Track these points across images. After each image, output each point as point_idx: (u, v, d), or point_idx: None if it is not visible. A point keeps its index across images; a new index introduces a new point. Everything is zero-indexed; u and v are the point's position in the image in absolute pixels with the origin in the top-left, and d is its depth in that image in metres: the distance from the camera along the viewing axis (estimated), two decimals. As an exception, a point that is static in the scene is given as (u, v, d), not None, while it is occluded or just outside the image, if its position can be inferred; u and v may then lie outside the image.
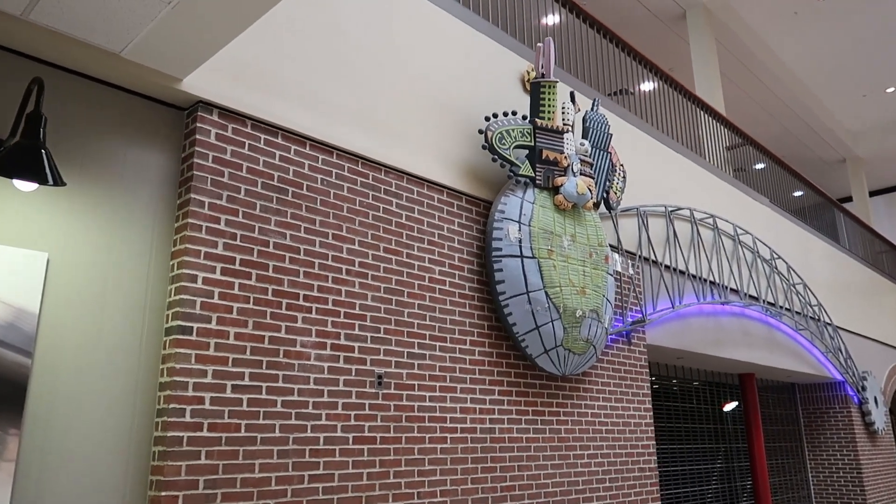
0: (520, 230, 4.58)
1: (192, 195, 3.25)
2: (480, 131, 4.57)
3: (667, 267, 6.53)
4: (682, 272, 6.56)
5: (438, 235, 4.39)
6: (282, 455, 3.31)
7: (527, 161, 4.77)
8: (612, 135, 5.38)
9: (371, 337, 3.84)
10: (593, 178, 5.18)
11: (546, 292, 4.59)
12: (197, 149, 3.31)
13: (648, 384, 5.88)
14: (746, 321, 7.73)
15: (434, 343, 4.18)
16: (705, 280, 6.91)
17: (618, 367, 5.61)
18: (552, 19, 6.47)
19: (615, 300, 5.73)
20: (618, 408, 5.48)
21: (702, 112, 8.93)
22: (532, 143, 4.82)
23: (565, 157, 4.91)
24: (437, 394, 4.12)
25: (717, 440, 8.48)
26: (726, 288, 7.37)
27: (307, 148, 3.78)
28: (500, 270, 4.49)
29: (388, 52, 4.32)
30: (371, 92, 4.16)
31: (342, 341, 3.69)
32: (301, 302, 3.56)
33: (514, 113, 4.77)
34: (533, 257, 4.58)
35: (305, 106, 3.78)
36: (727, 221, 7.44)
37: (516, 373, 4.69)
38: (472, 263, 4.58)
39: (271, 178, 3.57)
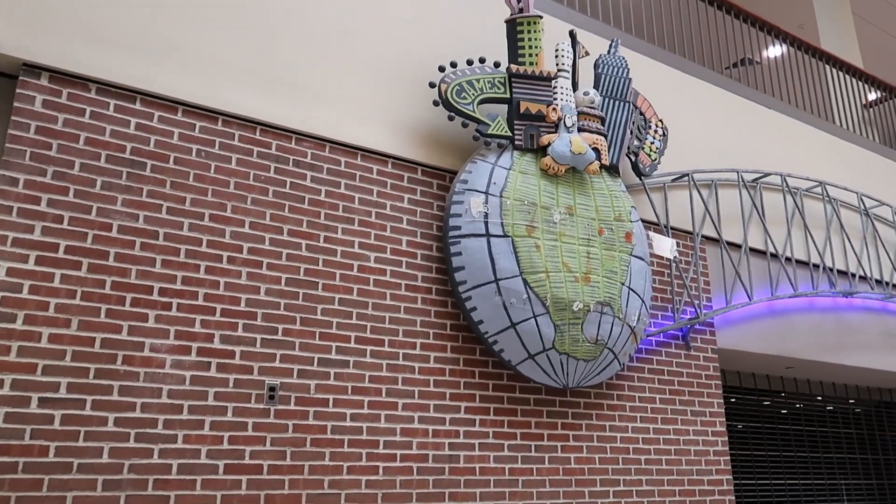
0: (486, 203, 3.60)
1: (2, 172, 2.72)
2: (432, 85, 3.69)
3: (752, 249, 5.11)
4: (774, 256, 5.09)
5: (377, 215, 3.55)
6: (110, 486, 2.64)
7: (500, 118, 3.80)
8: (630, 79, 4.22)
9: (262, 339, 3.08)
10: (604, 135, 4.05)
11: (524, 279, 3.56)
12: (13, 118, 2.80)
13: (720, 400, 4.52)
14: (890, 319, 5.93)
15: (363, 347, 3.32)
16: (817, 266, 5.34)
17: (668, 379, 4.34)
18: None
19: (660, 291, 4.47)
20: (667, 431, 4.21)
21: (829, 67, 7.22)
22: (508, 95, 3.84)
23: (554, 110, 3.86)
24: (365, 411, 3.24)
25: (848, 471, 6.61)
26: (853, 276, 5.68)
27: (179, 114, 3.15)
28: (459, 254, 3.54)
29: None
30: (279, 45, 3.46)
31: (216, 345, 2.97)
32: (155, 297, 2.89)
33: (481, 60, 3.83)
34: (505, 236, 3.58)
35: (179, 65, 3.16)
36: (850, 191, 5.77)
37: (496, 385, 3.67)
38: (428, 248, 3.68)
39: (122, 151, 2.98)
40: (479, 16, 4.20)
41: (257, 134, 3.32)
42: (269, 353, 3.08)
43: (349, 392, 3.22)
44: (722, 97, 5.47)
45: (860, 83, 7.35)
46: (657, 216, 4.40)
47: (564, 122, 3.85)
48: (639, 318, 3.95)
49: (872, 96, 7.59)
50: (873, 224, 5.89)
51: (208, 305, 2.99)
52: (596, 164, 3.90)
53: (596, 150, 3.98)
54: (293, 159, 3.38)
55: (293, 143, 3.41)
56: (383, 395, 3.31)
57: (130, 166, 2.98)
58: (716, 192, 4.97)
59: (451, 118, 3.67)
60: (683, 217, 4.76)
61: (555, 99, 3.93)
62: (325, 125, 3.49)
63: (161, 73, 3.11)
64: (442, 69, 3.70)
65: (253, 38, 3.40)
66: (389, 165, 3.68)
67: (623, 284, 3.88)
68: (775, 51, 7.49)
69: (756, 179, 5.24)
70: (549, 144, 3.81)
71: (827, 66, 7.30)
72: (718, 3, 6.08)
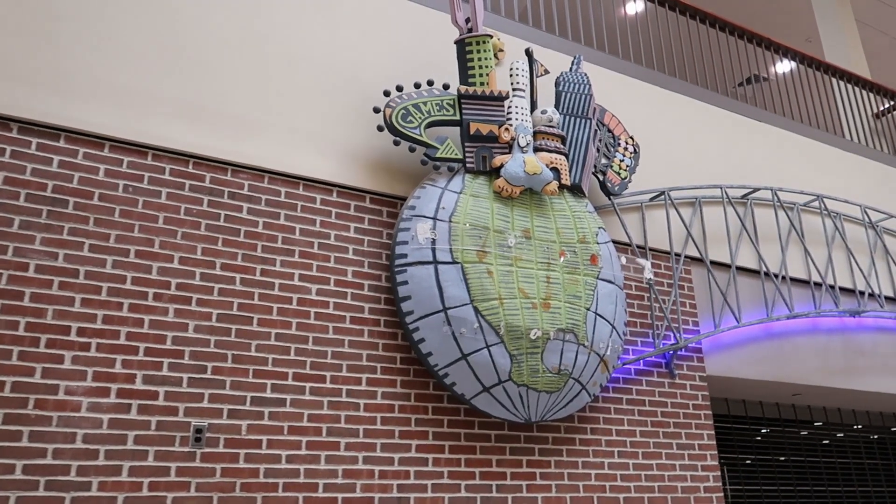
0: (434, 228, 3.44)
1: (-88, 214, 2.68)
2: (377, 110, 3.58)
3: (745, 269, 4.83)
4: (772, 275, 4.79)
5: (319, 245, 3.43)
6: (15, 539, 2.51)
7: (450, 141, 3.66)
8: (592, 95, 4.05)
9: (189, 379, 2.95)
10: (564, 154, 3.88)
11: (475, 307, 3.37)
12: (-73, 160, 2.77)
13: (711, 431, 4.21)
14: (907, 338, 5.53)
15: (301, 384, 3.16)
16: (819, 285, 5.02)
17: (650, 410, 4.06)
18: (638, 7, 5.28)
19: (640, 316, 4.23)
20: (650, 466, 3.92)
21: (836, 79, 6.95)
22: (458, 117, 3.71)
23: (507, 130, 3.71)
24: (303, 452, 3.07)
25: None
26: (862, 294, 5.33)
27: (105, 150, 3.09)
28: (405, 283, 3.38)
29: (239, 22, 3.55)
30: (216, 77, 3.40)
31: (137, 385, 2.85)
32: (73, 337, 2.79)
33: (430, 83, 3.72)
34: (453, 262, 3.41)
35: (107, 100, 3.12)
36: (853, 204, 5.44)
37: (452, 421, 3.47)
38: (377, 279, 3.53)
39: (42, 189, 2.92)
40: (433, 39, 4.11)
41: (190, 167, 3.25)
42: (196, 392, 2.94)
43: (285, 432, 3.06)
44: (713, 114, 5.25)
45: (868, 93, 7.03)
46: (629, 237, 4.18)
47: (518, 142, 3.70)
48: (609, 346, 3.72)
49: (883, 105, 7.25)
50: (881, 238, 5.54)
51: (131, 345, 2.88)
52: (554, 185, 3.72)
53: (555, 169, 3.80)
54: (228, 191, 3.29)
55: (229, 174, 3.32)
56: (323, 434, 3.14)
57: (52, 204, 2.91)
58: (700, 210, 4.73)
59: (396, 143, 3.55)
60: (665, 237, 4.52)
61: (508, 119, 3.79)
62: (264, 155, 3.40)
63: (87, 110, 3.07)
64: (387, 93, 3.59)
65: (187, 71, 3.35)
66: (334, 194, 3.56)
67: (588, 310, 3.66)
68: (782, 67, 7.26)
69: (746, 195, 4.98)
70: (501, 166, 3.66)
71: (833, 79, 7.02)
72: (720, 25, 5.90)
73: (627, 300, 4.25)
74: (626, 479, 3.81)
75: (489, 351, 3.36)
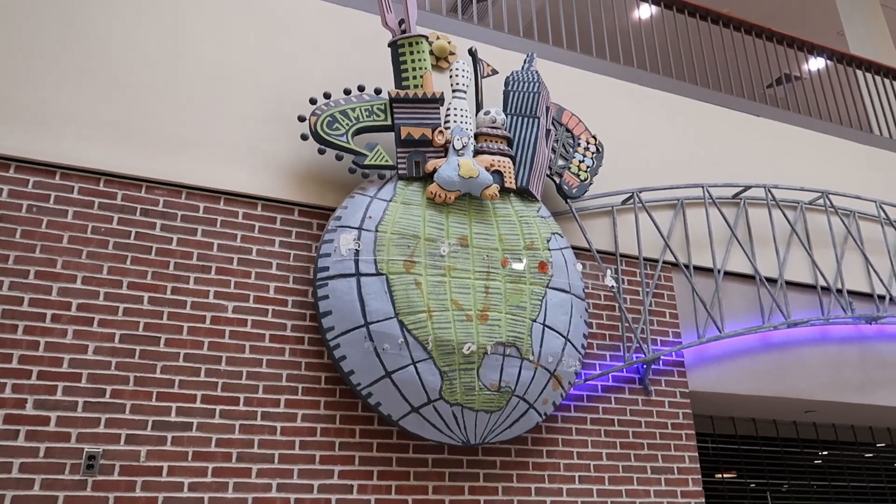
0: (358, 238, 3.24)
1: None
2: (302, 119, 3.43)
3: (737, 274, 4.42)
4: (764, 280, 4.37)
5: (239, 261, 3.27)
6: None
7: (380, 147, 3.47)
8: (540, 93, 3.78)
9: (84, 403, 2.82)
10: (510, 157, 3.63)
11: (400, 321, 3.13)
12: None
13: (693, 453, 3.81)
14: (940, 347, 4.95)
15: (210, 407, 2.99)
16: (828, 290, 4.54)
17: (620, 430, 3.70)
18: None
19: (610, 328, 3.89)
20: (618, 493, 3.56)
21: (862, 72, 6.45)
22: (389, 122, 3.52)
23: (441, 133, 3.49)
24: (208, 479, 2.88)
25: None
26: (882, 298, 4.82)
27: (11, 171, 3.04)
28: (326, 298, 3.18)
29: (158, 36, 3.48)
30: (129, 93, 3.32)
31: (28, 411, 2.73)
32: (-40, 361, 2.71)
33: (360, 89, 3.55)
34: (378, 274, 3.19)
35: (14, 120, 3.07)
36: (866, 199, 4.94)
37: (382, 445, 3.22)
38: (302, 294, 3.34)
39: (-60, 211, 2.88)
40: (368, 44, 3.94)
41: (101, 185, 3.16)
42: (91, 417, 2.80)
43: (189, 458, 2.88)
44: (704, 110, 4.89)
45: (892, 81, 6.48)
46: (589, 242, 3.86)
47: (453, 145, 3.47)
48: (560, 360, 3.41)
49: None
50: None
51: (23, 368, 2.78)
52: (495, 188, 3.47)
53: (497, 172, 3.56)
54: (141, 208, 3.19)
55: (143, 191, 3.22)
56: (233, 460, 2.94)
57: (-51, 227, 2.87)
58: (683, 212, 4.37)
59: (321, 151, 3.38)
60: (643, 242, 4.18)
61: (447, 122, 3.58)
62: (183, 171, 3.29)
63: (-9, 131, 3.02)
64: (313, 101, 3.44)
65: (102, 88, 3.28)
66: (259, 208, 3.41)
67: (535, 321, 3.36)
68: (815, 64, 6.80)
69: (737, 195, 4.59)
70: (435, 171, 3.44)
71: (858, 72, 6.52)
72: (746, 28, 5.58)
73: (596, 311, 3.92)
74: (588, 507, 3.46)
75: (416, 367, 3.12)
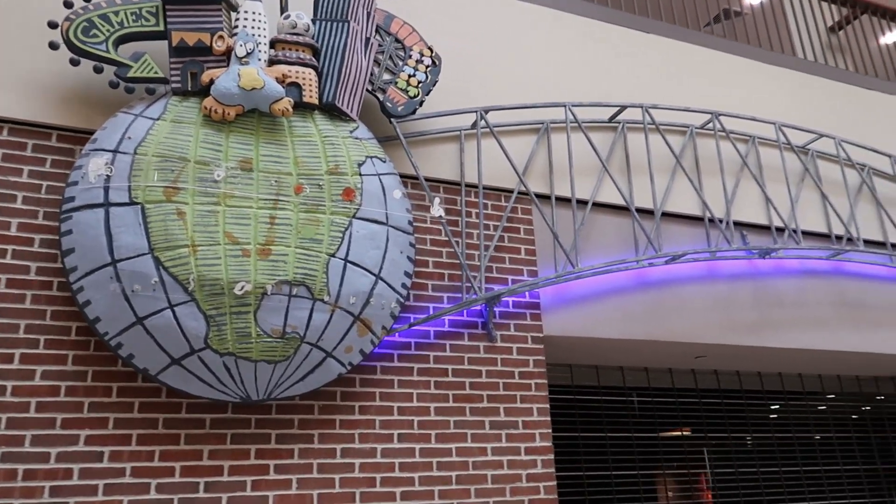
0: (111, 163, 2.73)
1: None
2: (53, 25, 2.88)
3: (611, 206, 3.94)
4: (634, 211, 3.88)
5: (-28, 193, 2.76)
6: None
7: (148, 57, 2.94)
8: (355, -5, 3.24)
9: None
10: (312, 67, 3.10)
11: (156, 258, 2.64)
12: None
13: (544, 405, 3.36)
14: (846, 283, 4.51)
15: (-83, 364, 2.50)
16: (714, 221, 4.06)
17: (454, 381, 3.25)
18: None
19: (449, 266, 3.41)
20: (448, 451, 3.11)
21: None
22: (161, 28, 2.98)
23: (221, 38, 2.96)
24: None
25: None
26: (781, 231, 4.36)
27: None
28: (69, 233, 2.67)
29: None
30: None
31: None
32: None
33: (129, -10, 3.00)
34: (132, 203, 2.68)
35: None
36: (765, 122, 4.43)
37: (147, 404, 2.74)
38: (55, 232, 2.84)
39: None
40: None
41: None
42: None
43: None
44: (589, 27, 4.36)
45: (819, 3, 5.94)
46: (415, 167, 3.36)
47: (235, 53, 2.94)
48: (368, 301, 2.93)
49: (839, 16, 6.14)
50: (807, 165, 4.53)
51: None
52: (286, 102, 2.94)
53: (295, 85, 3.03)
54: None
55: None
56: (-57, 427, 2.46)
57: None
58: (548, 136, 3.86)
59: (74, 62, 2.84)
60: (496, 170, 3.68)
61: (235, 27, 3.04)
62: None
63: None
64: (69, 5, 2.89)
65: None
66: (4, 132, 2.88)
67: (333, 256, 2.87)
68: None
69: (613, 117, 4.08)
70: (212, 82, 2.91)
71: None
72: None
73: (434, 247, 3.44)
74: (407, 468, 3.01)
75: (174, 311, 2.63)
